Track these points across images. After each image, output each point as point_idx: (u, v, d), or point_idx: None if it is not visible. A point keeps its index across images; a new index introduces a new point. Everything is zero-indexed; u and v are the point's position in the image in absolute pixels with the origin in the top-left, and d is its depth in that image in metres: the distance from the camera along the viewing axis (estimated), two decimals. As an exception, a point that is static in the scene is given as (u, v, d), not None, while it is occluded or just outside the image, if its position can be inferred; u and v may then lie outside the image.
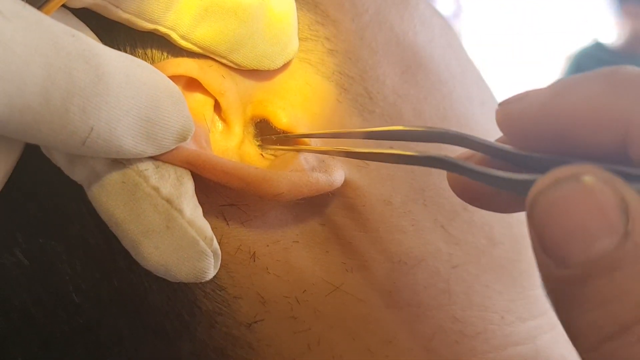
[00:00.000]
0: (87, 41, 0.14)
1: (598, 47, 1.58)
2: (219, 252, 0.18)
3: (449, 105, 0.23)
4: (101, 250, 0.19)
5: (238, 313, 0.20)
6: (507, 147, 0.16)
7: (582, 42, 1.69)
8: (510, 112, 0.15)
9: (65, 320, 0.19)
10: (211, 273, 0.17)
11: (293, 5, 0.19)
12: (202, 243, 0.17)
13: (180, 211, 0.17)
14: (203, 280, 0.17)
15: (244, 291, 0.19)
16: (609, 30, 1.62)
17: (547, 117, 0.14)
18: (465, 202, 0.17)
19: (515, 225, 0.24)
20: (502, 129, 0.15)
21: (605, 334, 0.11)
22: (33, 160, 0.17)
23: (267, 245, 0.19)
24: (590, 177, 0.12)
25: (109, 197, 0.17)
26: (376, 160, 0.18)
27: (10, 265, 0.19)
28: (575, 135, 0.13)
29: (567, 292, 0.12)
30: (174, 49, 0.19)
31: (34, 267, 0.19)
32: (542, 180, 0.13)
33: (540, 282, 0.27)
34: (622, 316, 0.11)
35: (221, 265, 0.19)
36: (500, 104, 0.15)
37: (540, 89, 0.14)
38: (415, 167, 0.21)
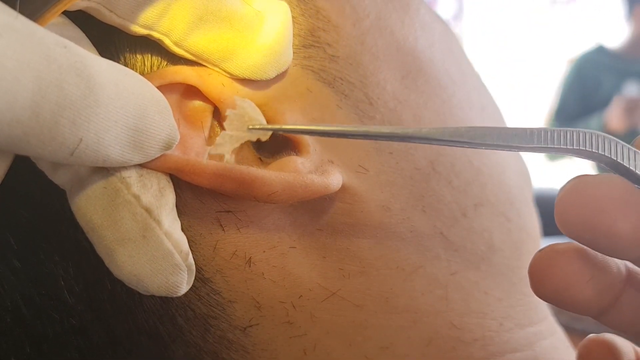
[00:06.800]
0: (78, 52, 0.14)
1: (600, 51, 1.58)
2: (194, 267, 0.17)
3: (449, 110, 0.23)
4: (94, 252, 0.18)
5: (233, 317, 0.19)
6: None
7: (584, 45, 1.69)
8: None
9: (58, 322, 0.19)
10: (183, 288, 0.17)
11: (289, 17, 0.19)
12: (177, 256, 0.17)
13: (158, 222, 0.17)
14: (174, 296, 0.17)
15: (238, 295, 0.19)
16: (611, 34, 1.61)
17: None
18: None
19: (514, 232, 0.24)
20: None
21: None
22: (25, 163, 0.17)
23: (264, 251, 0.19)
24: None
25: (89, 201, 0.16)
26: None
27: (2, 268, 0.19)
28: None
29: None
30: (173, 58, 0.19)
31: (26, 269, 0.19)
32: None
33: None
34: None
35: (216, 270, 0.19)
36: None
37: None
38: (415, 173, 0.21)
